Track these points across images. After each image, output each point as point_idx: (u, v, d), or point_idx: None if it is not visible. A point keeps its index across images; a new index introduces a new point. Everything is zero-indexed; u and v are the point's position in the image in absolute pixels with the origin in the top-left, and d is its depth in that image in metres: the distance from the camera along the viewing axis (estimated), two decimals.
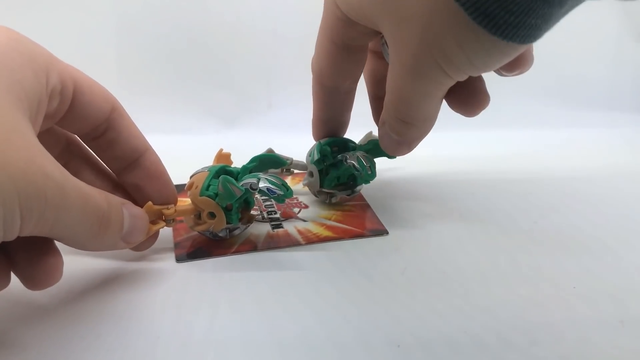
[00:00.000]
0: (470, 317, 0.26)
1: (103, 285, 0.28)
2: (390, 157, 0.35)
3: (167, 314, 0.26)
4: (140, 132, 0.30)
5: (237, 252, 0.31)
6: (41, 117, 0.24)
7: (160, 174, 0.30)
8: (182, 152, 0.47)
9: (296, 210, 0.36)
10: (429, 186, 0.41)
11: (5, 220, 0.19)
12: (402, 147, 0.32)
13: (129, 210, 0.26)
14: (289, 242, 0.32)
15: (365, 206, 0.37)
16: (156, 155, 0.30)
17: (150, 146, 0.30)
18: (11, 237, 0.20)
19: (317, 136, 0.37)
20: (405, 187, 0.41)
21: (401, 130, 0.30)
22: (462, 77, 0.27)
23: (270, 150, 0.36)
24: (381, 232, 0.34)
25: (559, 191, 0.41)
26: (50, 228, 0.22)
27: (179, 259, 0.30)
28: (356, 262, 0.30)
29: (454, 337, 0.25)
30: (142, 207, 0.28)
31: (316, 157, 0.35)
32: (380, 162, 0.36)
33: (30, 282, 0.24)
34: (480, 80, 0.32)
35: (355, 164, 0.33)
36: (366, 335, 0.25)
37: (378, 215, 0.36)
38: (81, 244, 0.24)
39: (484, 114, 0.32)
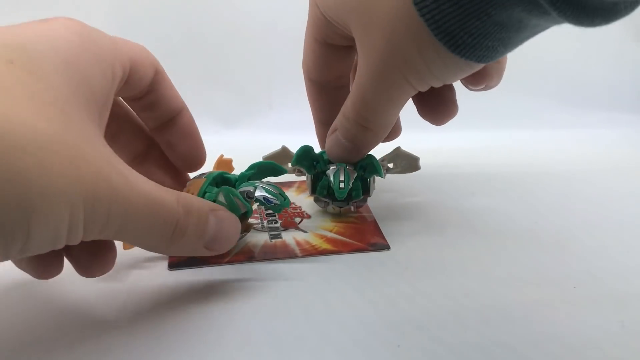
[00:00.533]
0: (470, 318, 0.26)
1: (100, 290, 0.28)
2: (381, 176, 0.35)
3: (161, 317, 0.26)
4: (177, 92, 0.30)
5: (232, 261, 0.30)
6: (107, 113, 0.24)
7: (193, 133, 0.31)
8: None
9: (298, 220, 0.36)
10: (429, 186, 0.41)
11: (70, 231, 0.20)
12: (352, 154, 0.32)
13: (217, 216, 0.26)
14: (286, 254, 0.31)
15: (369, 218, 0.36)
16: (190, 114, 0.31)
17: (185, 105, 0.30)
18: (74, 242, 0.20)
19: (321, 141, 0.36)
20: (406, 188, 0.41)
21: (356, 134, 0.30)
22: (424, 87, 0.27)
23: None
24: (383, 246, 0.32)
25: (559, 191, 0.41)
26: (115, 235, 0.22)
27: (172, 266, 0.30)
28: (354, 268, 0.30)
29: (453, 338, 0.25)
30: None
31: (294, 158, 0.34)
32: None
33: (85, 270, 0.25)
34: (450, 90, 0.32)
35: (330, 176, 0.32)
36: (364, 336, 0.25)
37: (381, 225, 0.35)
38: (153, 249, 0.24)
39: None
